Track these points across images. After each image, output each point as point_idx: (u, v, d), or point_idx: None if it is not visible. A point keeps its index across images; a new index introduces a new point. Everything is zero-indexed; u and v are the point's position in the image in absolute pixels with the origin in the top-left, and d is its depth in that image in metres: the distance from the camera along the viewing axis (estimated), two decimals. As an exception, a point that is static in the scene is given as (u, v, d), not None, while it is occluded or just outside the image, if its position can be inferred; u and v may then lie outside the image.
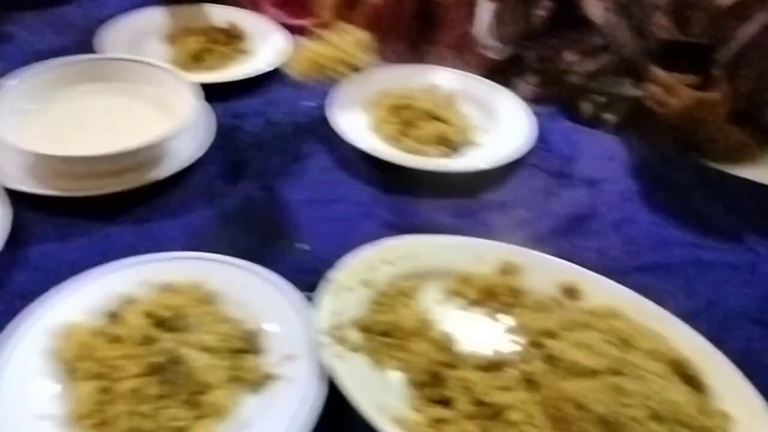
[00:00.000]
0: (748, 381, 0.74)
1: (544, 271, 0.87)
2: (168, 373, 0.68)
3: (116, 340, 0.73)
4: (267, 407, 0.71)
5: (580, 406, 0.65)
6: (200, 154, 1.03)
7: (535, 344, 0.78)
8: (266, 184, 1.03)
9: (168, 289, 0.80)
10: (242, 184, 1.03)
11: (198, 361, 0.70)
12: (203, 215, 0.97)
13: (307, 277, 0.85)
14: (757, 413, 0.71)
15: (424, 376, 0.74)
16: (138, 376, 0.69)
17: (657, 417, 0.65)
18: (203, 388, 0.69)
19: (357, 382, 0.71)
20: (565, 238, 0.98)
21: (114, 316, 0.77)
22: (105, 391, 0.69)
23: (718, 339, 0.79)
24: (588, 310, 0.82)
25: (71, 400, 0.69)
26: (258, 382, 0.73)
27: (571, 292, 0.85)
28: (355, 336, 0.78)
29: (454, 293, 0.87)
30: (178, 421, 0.67)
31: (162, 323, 0.74)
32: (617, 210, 1.04)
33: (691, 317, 0.81)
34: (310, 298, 0.81)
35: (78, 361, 0.72)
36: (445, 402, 0.72)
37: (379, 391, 0.72)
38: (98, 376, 0.70)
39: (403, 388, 0.74)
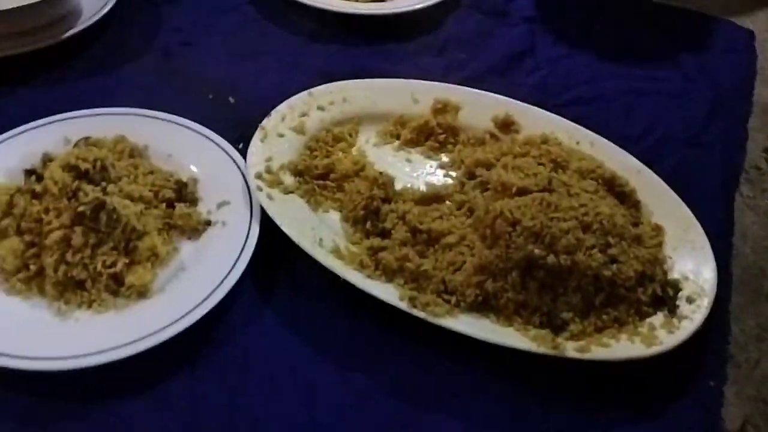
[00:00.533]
0: (679, 197, 0.76)
1: (480, 107, 0.86)
2: (97, 221, 0.66)
3: (38, 196, 0.70)
4: (203, 252, 0.70)
5: (512, 222, 0.66)
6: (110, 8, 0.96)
7: (470, 175, 0.78)
8: (186, 40, 0.97)
9: (90, 143, 0.76)
10: (159, 40, 0.97)
11: (128, 208, 0.68)
12: (120, 73, 0.92)
13: (236, 131, 0.82)
14: (688, 226, 0.73)
15: (360, 211, 0.73)
16: (65, 227, 0.66)
17: (589, 229, 0.67)
18: (136, 235, 0.68)
19: (292, 220, 0.71)
20: (503, 76, 0.97)
21: (34, 174, 0.73)
22: (31, 245, 0.67)
23: (651, 161, 0.80)
24: (523, 141, 0.82)
25: (-1, 257, 0.67)
26: (193, 228, 0.72)
27: (506, 126, 0.85)
28: (289, 179, 0.77)
29: (389, 135, 0.85)
30: (113, 267, 0.66)
31: (86, 175, 0.71)
32: (553, 46, 1.02)
33: (626, 143, 0.82)
34: (240, 148, 0.79)
35: (1, 218, 0.70)
36: (382, 235, 0.72)
37: (314, 228, 0.71)
38: (22, 232, 0.68)
39: (339, 225, 0.74)
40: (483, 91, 0.88)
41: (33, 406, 0.59)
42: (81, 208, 0.66)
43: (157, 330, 0.62)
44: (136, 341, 0.61)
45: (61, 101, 0.85)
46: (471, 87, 0.89)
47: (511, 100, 0.87)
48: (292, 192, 0.75)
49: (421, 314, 0.64)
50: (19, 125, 0.79)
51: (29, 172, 0.74)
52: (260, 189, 0.73)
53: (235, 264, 0.68)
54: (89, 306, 0.65)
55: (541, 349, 0.62)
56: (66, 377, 0.59)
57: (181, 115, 0.82)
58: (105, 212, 0.66)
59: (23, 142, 0.77)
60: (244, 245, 0.69)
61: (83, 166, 0.70)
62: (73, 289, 0.66)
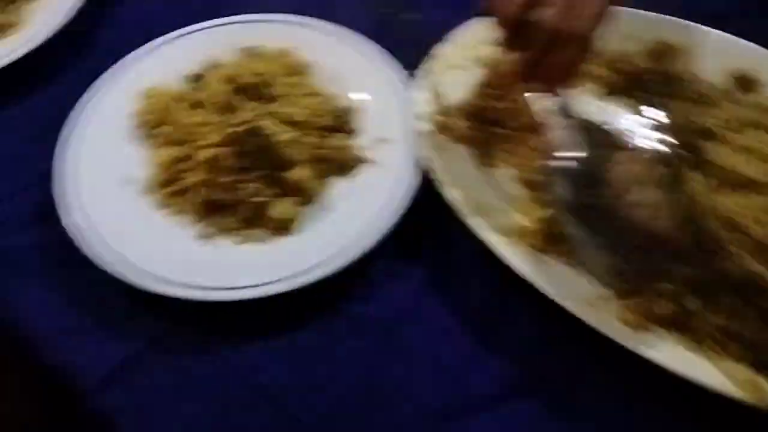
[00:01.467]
0: None
1: (715, 54, 0.68)
2: (247, 144, 0.61)
3: (198, 105, 0.67)
4: (354, 192, 0.64)
5: (734, 226, 0.52)
6: None
7: (688, 146, 0.62)
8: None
9: (254, 53, 0.71)
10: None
11: (281, 135, 0.62)
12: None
13: (413, 52, 0.72)
14: None
15: (537, 173, 0.62)
16: (217, 145, 0.62)
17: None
18: (285, 165, 0.62)
19: (457, 178, 0.61)
20: (748, 18, 0.76)
21: (197, 80, 0.70)
22: (184, 158, 0.64)
23: None
24: (765, 107, 0.64)
25: (151, 166, 0.65)
26: (346, 164, 0.65)
27: (746, 83, 0.66)
28: (460, 124, 0.66)
29: (593, 79, 0.71)
30: (258, 196, 0.61)
31: (245, 90, 0.66)
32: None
33: None
34: (412, 76, 0.70)
35: (158, 125, 0.67)
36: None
37: (481, 190, 0.61)
38: (177, 142, 0.65)
39: (511, 187, 0.64)
40: (722, 33, 0.69)
41: (160, 330, 0.58)
42: (233, 129, 0.61)
43: (295, 273, 0.57)
44: (271, 283, 0.57)
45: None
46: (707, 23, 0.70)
47: (758, 48, 0.68)
48: (460, 141, 0.65)
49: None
50: (185, 24, 0.75)
51: (190, 79, 0.70)
52: (426, 133, 0.64)
53: (385, 214, 0.60)
54: (229, 233, 0.62)
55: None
56: (194, 306, 0.57)
57: (356, 29, 0.74)
58: (256, 137, 0.61)
59: (188, 44, 0.74)
60: (398, 193, 0.61)
61: (244, 80, 0.65)
62: (215, 212, 0.62)
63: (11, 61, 0.73)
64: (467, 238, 0.57)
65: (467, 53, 0.70)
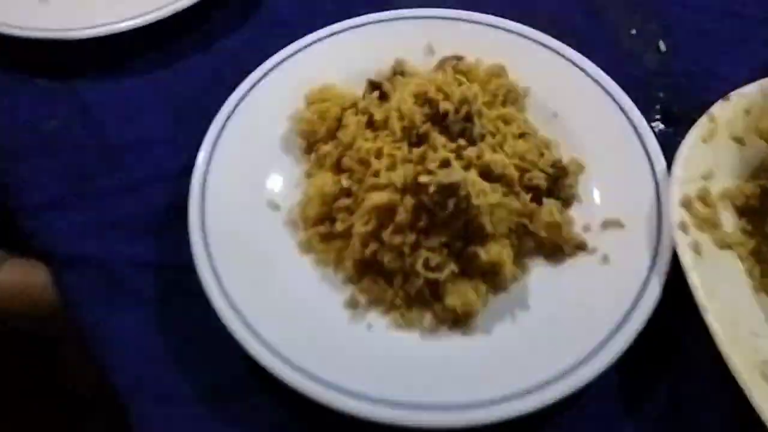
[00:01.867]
0: None
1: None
2: (439, 204, 0.44)
3: (376, 124, 0.51)
4: (564, 290, 0.46)
5: None
6: None
7: None
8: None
9: (458, 68, 0.53)
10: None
11: (484, 196, 0.45)
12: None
13: (659, 101, 0.54)
14: None
15: None
16: (393, 189, 0.47)
17: None
18: (481, 237, 0.46)
19: (725, 307, 0.42)
20: None
21: (378, 90, 0.54)
22: (346, 193, 0.49)
23: None
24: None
25: (305, 192, 0.50)
26: (556, 246, 0.48)
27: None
28: (730, 220, 0.47)
29: None
30: (437, 272, 0.45)
31: (441, 119, 0.49)
32: None
33: None
34: (657, 131, 0.51)
35: (324, 140, 0.52)
36: None
37: (759, 332, 0.42)
38: (342, 169, 0.50)
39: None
40: None
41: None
42: (423, 179, 0.44)
43: (470, 402, 0.41)
44: (426, 407, 0.41)
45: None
46: None
47: None
48: (730, 247, 0.46)
49: None
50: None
51: (373, 84, 0.54)
52: (683, 228, 0.45)
53: (609, 338, 0.42)
54: (389, 309, 0.46)
55: None
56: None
57: (583, 48, 0.56)
58: (450, 193, 0.44)
59: (374, 34, 0.57)
60: (631, 310, 0.43)
61: (443, 106, 0.48)
62: (375, 278, 0.47)
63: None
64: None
65: (754, 121, 0.50)
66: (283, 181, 0.51)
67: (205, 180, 0.50)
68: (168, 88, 0.59)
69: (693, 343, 0.44)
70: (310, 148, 0.53)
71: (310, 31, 0.57)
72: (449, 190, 0.44)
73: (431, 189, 0.44)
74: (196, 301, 0.45)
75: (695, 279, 0.43)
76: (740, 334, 0.41)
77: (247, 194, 0.50)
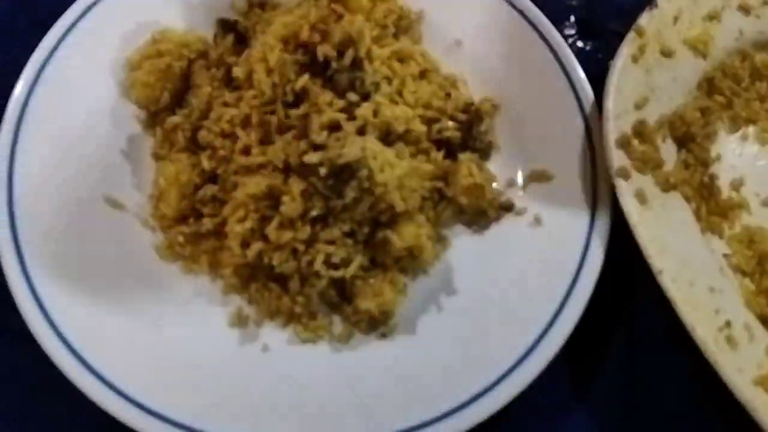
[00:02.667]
0: None
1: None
2: (335, 188, 0.34)
3: (237, 83, 0.39)
4: (494, 263, 0.38)
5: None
6: None
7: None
8: None
9: None
10: None
11: (391, 169, 0.35)
12: None
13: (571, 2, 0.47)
14: None
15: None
16: (272, 169, 0.36)
17: None
18: (391, 218, 0.36)
19: (677, 261, 0.36)
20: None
21: (233, 30, 0.41)
22: (210, 177, 0.38)
23: None
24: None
25: (155, 182, 0.38)
26: (479, 210, 0.39)
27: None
28: (671, 153, 0.40)
29: None
30: (341, 269, 0.36)
31: (322, 69, 0.37)
32: None
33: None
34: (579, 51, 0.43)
35: (170, 108, 0.40)
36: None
37: (717, 289, 0.37)
38: (199, 145, 0.38)
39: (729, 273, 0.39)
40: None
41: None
42: (310, 159, 0.34)
43: (398, 416, 0.33)
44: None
45: None
46: None
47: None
48: (675, 187, 0.39)
49: None
50: None
51: (226, 26, 0.41)
52: (624, 175, 0.38)
53: (553, 319, 0.36)
54: (287, 321, 0.37)
55: None
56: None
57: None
58: (355, 179, 0.34)
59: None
60: (575, 280, 0.36)
61: (323, 51, 0.37)
62: (266, 283, 0.37)
63: None
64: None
65: (683, 31, 0.43)
66: (121, 169, 0.39)
67: (10, 181, 0.37)
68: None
69: (644, 308, 0.38)
70: (152, 120, 0.40)
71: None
72: (346, 171, 0.33)
73: (322, 172, 0.33)
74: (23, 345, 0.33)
75: (644, 235, 0.36)
76: (699, 297, 0.36)
77: (76, 193, 0.38)
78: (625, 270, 0.38)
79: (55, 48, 0.40)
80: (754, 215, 0.42)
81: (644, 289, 0.37)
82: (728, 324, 0.35)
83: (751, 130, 0.44)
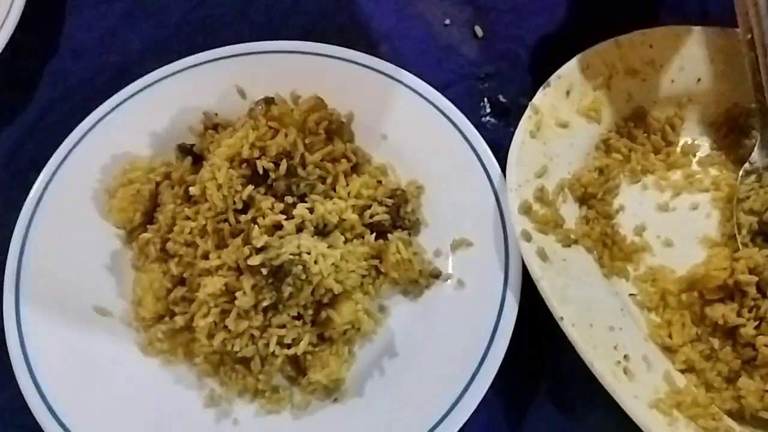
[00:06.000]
0: None
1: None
2: (277, 282, 0.41)
3: (194, 198, 0.46)
4: (427, 329, 0.44)
5: None
6: None
7: None
8: None
9: (269, 114, 0.48)
10: None
11: (324, 260, 0.42)
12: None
13: (482, 94, 0.54)
14: None
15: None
16: (227, 269, 0.43)
17: None
18: (331, 299, 0.43)
19: (580, 310, 0.42)
20: None
21: (190, 154, 0.49)
22: (179, 281, 0.45)
23: None
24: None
25: (134, 291, 0.46)
26: (412, 279, 0.46)
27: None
28: (571, 213, 0.47)
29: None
30: (293, 347, 0.42)
31: (263, 179, 0.45)
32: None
33: None
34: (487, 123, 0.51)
35: (141, 225, 0.47)
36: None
37: (616, 327, 0.42)
38: (169, 254, 0.45)
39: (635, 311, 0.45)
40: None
41: None
42: (253, 261, 0.41)
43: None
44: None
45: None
46: None
47: None
48: (576, 242, 0.46)
49: None
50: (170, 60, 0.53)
51: (184, 150, 0.49)
52: (526, 237, 0.44)
53: (478, 367, 0.41)
54: (254, 396, 0.43)
55: None
56: None
57: (399, 53, 0.54)
58: (292, 276, 0.41)
59: (175, 88, 0.52)
60: (493, 333, 0.42)
61: (262, 165, 0.45)
62: (233, 366, 0.43)
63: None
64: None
65: (577, 102, 0.50)
66: (107, 281, 0.46)
67: (17, 302, 0.44)
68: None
69: (562, 346, 0.43)
70: (130, 236, 0.48)
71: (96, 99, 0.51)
72: (281, 271, 0.40)
73: (264, 272, 0.40)
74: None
75: (546, 288, 0.42)
76: (599, 335, 0.41)
77: (70, 306, 0.45)
78: (546, 316, 0.44)
79: (47, 185, 0.48)
80: (656, 256, 0.47)
81: (563, 332, 0.43)
82: (626, 357, 0.41)
83: (649, 179, 0.51)
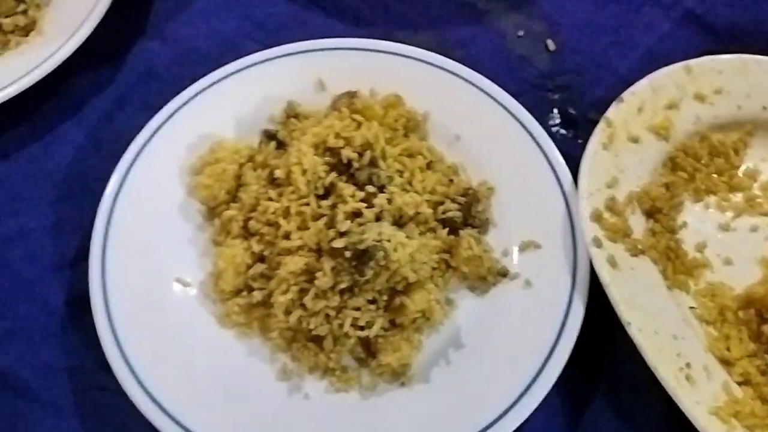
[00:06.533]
0: None
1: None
2: (359, 267, 0.43)
3: (278, 181, 0.48)
4: (493, 323, 0.46)
5: None
6: None
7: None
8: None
9: (353, 107, 0.51)
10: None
11: (402, 249, 0.44)
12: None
13: (554, 104, 0.56)
14: None
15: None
16: (308, 250, 0.45)
17: None
18: (405, 287, 0.45)
19: (646, 317, 0.43)
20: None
21: (274, 139, 0.51)
22: (260, 258, 0.47)
23: None
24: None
25: (215, 264, 0.48)
26: (479, 276, 0.47)
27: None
28: (640, 224, 0.48)
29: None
30: (366, 330, 0.44)
31: (345, 168, 0.47)
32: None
33: None
34: (561, 135, 0.53)
35: (225, 203, 0.49)
36: None
37: (679, 336, 0.44)
38: (251, 233, 0.47)
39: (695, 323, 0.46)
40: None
41: None
42: (337, 244, 0.43)
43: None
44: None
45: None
46: None
47: None
48: (643, 252, 0.47)
49: None
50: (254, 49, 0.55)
51: (269, 135, 0.52)
52: (597, 244, 0.46)
53: (542, 367, 0.43)
54: (323, 374, 0.45)
55: None
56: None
57: (473, 60, 0.55)
58: (374, 260, 0.43)
59: (259, 77, 0.54)
60: (559, 334, 0.44)
61: (346, 154, 0.47)
62: (305, 344, 0.45)
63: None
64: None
65: (647, 120, 0.51)
66: (189, 254, 0.49)
67: (103, 267, 0.46)
68: (41, 163, 0.54)
69: (623, 351, 0.44)
70: (212, 213, 0.50)
71: (186, 82, 0.53)
72: (366, 254, 0.42)
73: (347, 255, 0.42)
74: (116, 400, 0.42)
75: (615, 293, 0.44)
76: (663, 342, 0.43)
77: (152, 275, 0.47)
78: (607, 321, 0.46)
79: (135, 158, 0.50)
80: (716, 273, 0.49)
81: (625, 337, 0.44)
82: (688, 365, 0.42)
83: (712, 199, 0.52)
